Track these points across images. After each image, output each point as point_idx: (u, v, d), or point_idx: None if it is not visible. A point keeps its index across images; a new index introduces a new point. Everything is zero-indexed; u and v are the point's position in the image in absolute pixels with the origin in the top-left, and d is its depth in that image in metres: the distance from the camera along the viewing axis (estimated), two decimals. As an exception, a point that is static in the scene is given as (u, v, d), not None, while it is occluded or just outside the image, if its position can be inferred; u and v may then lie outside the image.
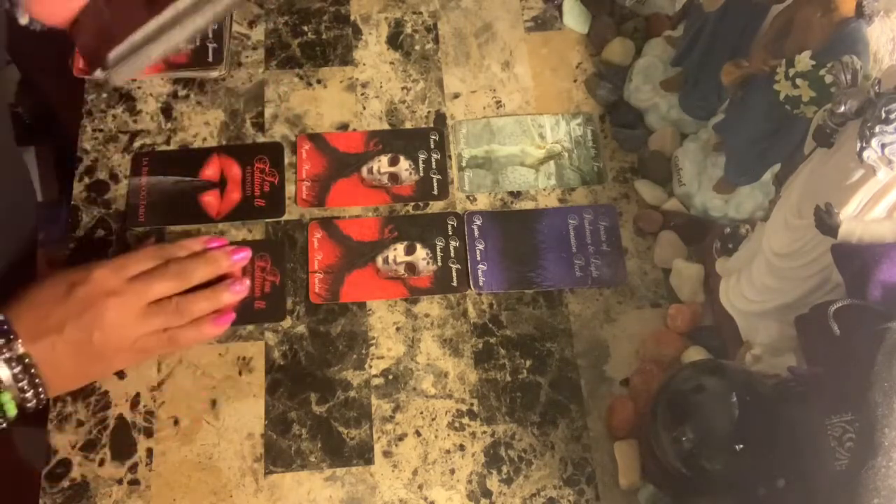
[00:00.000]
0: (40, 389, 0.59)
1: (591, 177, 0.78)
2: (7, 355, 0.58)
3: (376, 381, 0.69)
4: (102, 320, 0.61)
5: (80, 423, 0.67)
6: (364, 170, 0.77)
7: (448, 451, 0.67)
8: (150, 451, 0.66)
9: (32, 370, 0.58)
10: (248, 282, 0.69)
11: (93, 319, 0.61)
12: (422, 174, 0.77)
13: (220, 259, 0.67)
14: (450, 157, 0.78)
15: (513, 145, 0.79)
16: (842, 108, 0.51)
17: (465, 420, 0.68)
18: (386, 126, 0.79)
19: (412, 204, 0.76)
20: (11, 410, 0.59)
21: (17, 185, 0.78)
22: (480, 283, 0.72)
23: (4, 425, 0.59)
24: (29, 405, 0.59)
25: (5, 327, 0.59)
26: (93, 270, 0.62)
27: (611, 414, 0.67)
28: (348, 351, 0.70)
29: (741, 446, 0.55)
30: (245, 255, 0.69)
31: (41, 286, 0.62)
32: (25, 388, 0.58)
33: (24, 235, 0.78)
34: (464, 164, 0.78)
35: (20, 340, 0.58)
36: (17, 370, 0.58)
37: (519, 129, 0.79)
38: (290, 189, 0.76)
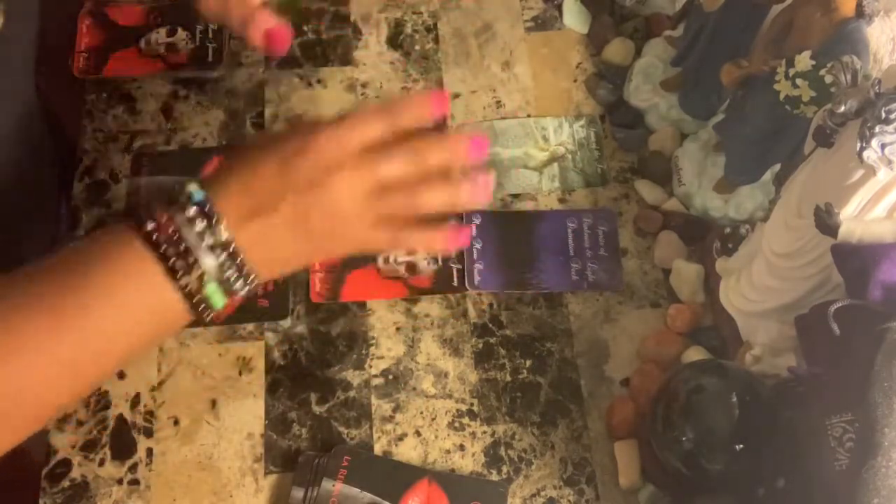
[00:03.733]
0: (251, 277, 0.52)
1: (595, 178, 0.78)
2: (210, 241, 0.50)
3: (376, 381, 0.69)
4: (326, 200, 0.52)
5: (80, 423, 0.67)
6: (364, 170, 0.77)
7: (448, 451, 0.67)
8: (150, 451, 0.66)
9: (240, 258, 0.51)
10: (491, 182, 0.56)
11: (315, 199, 0.51)
12: (422, 174, 0.77)
13: (458, 147, 0.54)
14: (450, 157, 0.78)
15: (516, 148, 0.79)
16: (842, 108, 0.51)
17: (465, 420, 0.68)
18: (386, 126, 0.79)
19: (412, 204, 0.76)
20: (218, 302, 0.52)
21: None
22: (476, 282, 0.72)
23: (212, 316, 0.52)
24: (238, 293, 0.52)
25: (207, 208, 0.50)
26: (311, 139, 0.52)
27: (611, 414, 0.67)
28: (348, 351, 0.70)
29: (741, 446, 0.55)
30: (486, 144, 0.56)
31: (248, 157, 0.52)
32: (232, 277, 0.51)
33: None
34: (465, 164, 0.78)
35: (225, 223, 0.50)
36: (222, 258, 0.50)
37: (522, 131, 0.79)
38: (290, 189, 0.76)
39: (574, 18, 0.85)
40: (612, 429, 0.67)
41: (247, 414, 0.68)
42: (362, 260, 0.73)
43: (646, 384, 0.67)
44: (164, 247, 0.49)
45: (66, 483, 0.65)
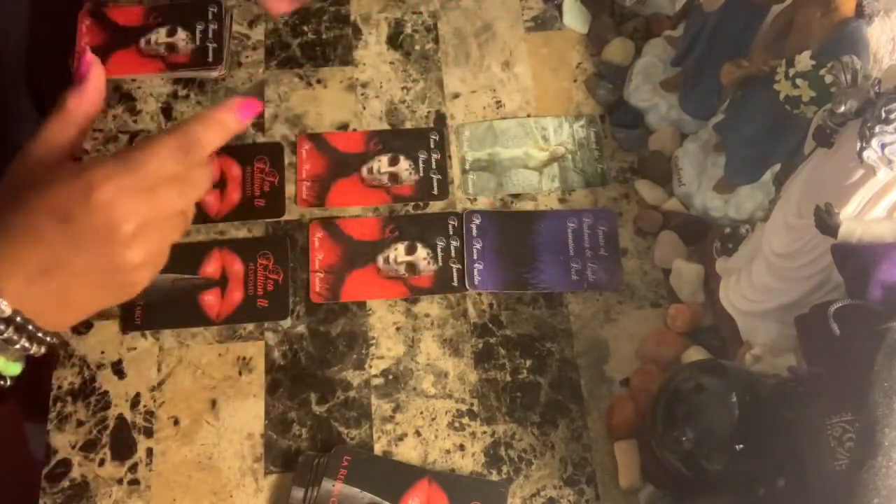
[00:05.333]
0: (45, 337, 0.48)
1: (595, 179, 0.78)
2: None
3: (376, 381, 0.69)
4: (129, 256, 0.47)
5: (80, 423, 0.67)
6: (364, 170, 0.77)
7: (448, 451, 0.67)
8: (150, 451, 0.66)
9: (28, 326, 0.46)
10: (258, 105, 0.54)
11: (116, 256, 0.47)
12: (422, 174, 0.77)
13: (231, 114, 0.52)
14: (450, 157, 0.78)
15: (516, 148, 0.79)
16: (842, 108, 0.51)
17: (465, 420, 0.68)
18: (386, 126, 0.79)
19: (412, 204, 0.76)
20: (13, 370, 0.48)
21: None
22: (476, 282, 0.72)
23: (9, 383, 0.49)
24: (34, 354, 0.49)
25: None
26: (92, 191, 0.46)
27: (611, 414, 0.67)
28: (348, 351, 0.70)
29: (741, 446, 0.55)
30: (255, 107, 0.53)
31: (19, 215, 0.46)
32: (22, 344, 0.47)
33: None
34: (467, 166, 0.78)
35: (4, 296, 0.45)
36: (6, 334, 0.46)
37: (522, 131, 0.79)
38: (290, 189, 0.76)
39: (574, 18, 0.85)
40: (612, 429, 0.67)
41: (247, 414, 0.68)
42: (362, 260, 0.73)
43: (646, 384, 0.67)
44: None
45: (66, 483, 0.65)
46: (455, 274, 0.73)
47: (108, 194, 0.46)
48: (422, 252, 0.73)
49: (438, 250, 0.74)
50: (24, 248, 0.46)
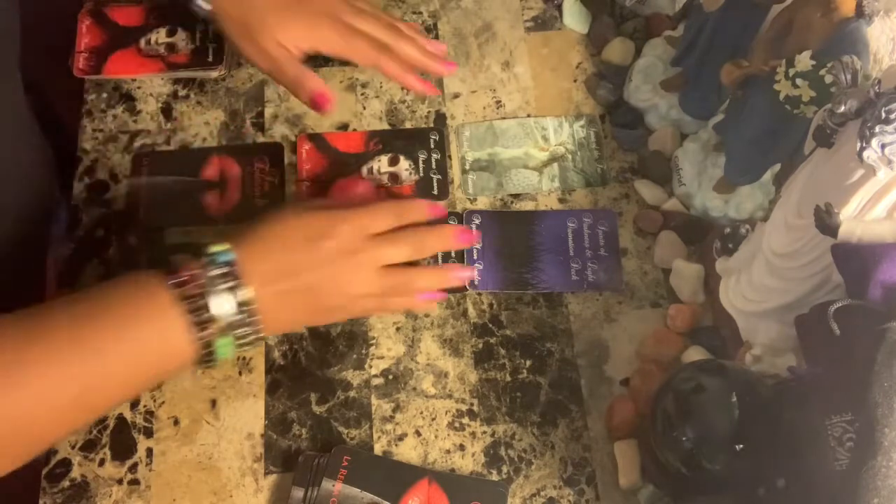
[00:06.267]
0: (259, 335, 0.57)
1: (595, 179, 0.78)
2: (233, 300, 0.54)
3: (376, 381, 0.69)
4: (340, 279, 0.59)
5: (80, 423, 0.67)
6: (364, 170, 0.77)
7: (448, 451, 0.67)
8: (150, 451, 0.66)
9: (256, 317, 0.55)
10: (473, 271, 0.70)
11: (331, 276, 0.59)
12: (422, 174, 0.77)
13: (451, 238, 0.65)
14: (450, 157, 0.78)
15: (516, 148, 0.79)
16: (842, 108, 0.51)
17: (465, 420, 0.68)
18: (386, 126, 0.79)
19: (412, 204, 0.76)
20: (227, 354, 0.56)
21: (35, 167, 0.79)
22: (475, 282, 0.72)
23: (214, 365, 0.57)
24: (243, 348, 0.57)
25: (234, 269, 0.55)
26: (336, 225, 0.59)
27: (611, 414, 0.67)
28: (348, 351, 0.70)
29: (741, 446, 0.55)
30: (471, 239, 0.67)
31: (275, 228, 0.59)
32: (245, 333, 0.56)
33: (37, 229, 0.78)
34: (467, 166, 0.78)
35: (251, 286, 0.55)
36: (241, 316, 0.55)
37: (522, 131, 0.79)
38: (290, 189, 0.76)
39: (574, 18, 0.85)
40: (612, 429, 0.67)
41: (247, 414, 0.68)
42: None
43: (646, 384, 0.67)
44: (190, 300, 0.53)
45: (66, 483, 0.65)
46: (455, 274, 0.73)
47: (348, 233, 0.59)
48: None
49: (438, 250, 0.74)
50: (274, 253, 0.57)
